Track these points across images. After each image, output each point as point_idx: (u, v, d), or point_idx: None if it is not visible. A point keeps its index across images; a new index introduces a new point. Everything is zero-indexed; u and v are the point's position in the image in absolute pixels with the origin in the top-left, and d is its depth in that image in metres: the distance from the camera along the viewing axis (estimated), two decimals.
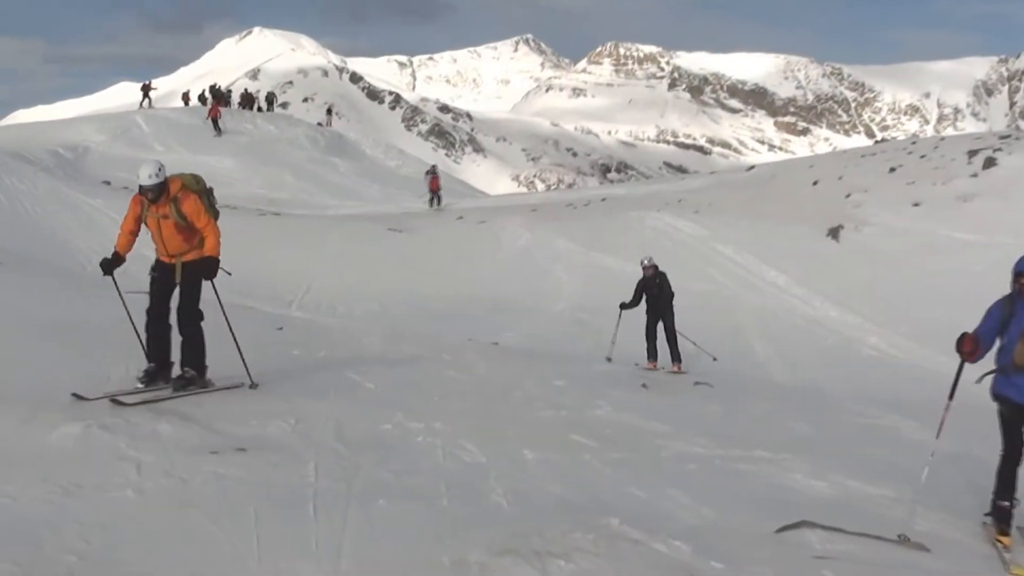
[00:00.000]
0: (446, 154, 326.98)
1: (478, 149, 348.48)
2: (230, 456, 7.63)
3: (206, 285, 10.33)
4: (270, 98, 77.71)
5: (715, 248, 29.63)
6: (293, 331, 16.50)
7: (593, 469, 8.74)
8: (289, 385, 10.90)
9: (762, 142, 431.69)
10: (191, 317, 10.21)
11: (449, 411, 10.44)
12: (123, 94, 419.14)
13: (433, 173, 47.72)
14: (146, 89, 72.57)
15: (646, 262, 19.33)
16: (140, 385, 9.89)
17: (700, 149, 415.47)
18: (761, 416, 12.87)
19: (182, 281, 10.19)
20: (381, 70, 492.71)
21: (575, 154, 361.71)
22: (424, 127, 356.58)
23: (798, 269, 27.50)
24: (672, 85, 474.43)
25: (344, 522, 6.45)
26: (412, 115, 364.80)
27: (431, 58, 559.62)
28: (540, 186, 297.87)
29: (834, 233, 29.94)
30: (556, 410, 11.36)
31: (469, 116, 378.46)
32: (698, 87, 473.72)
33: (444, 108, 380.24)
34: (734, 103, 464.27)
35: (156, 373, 10.11)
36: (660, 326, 19.07)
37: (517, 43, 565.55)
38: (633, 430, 10.66)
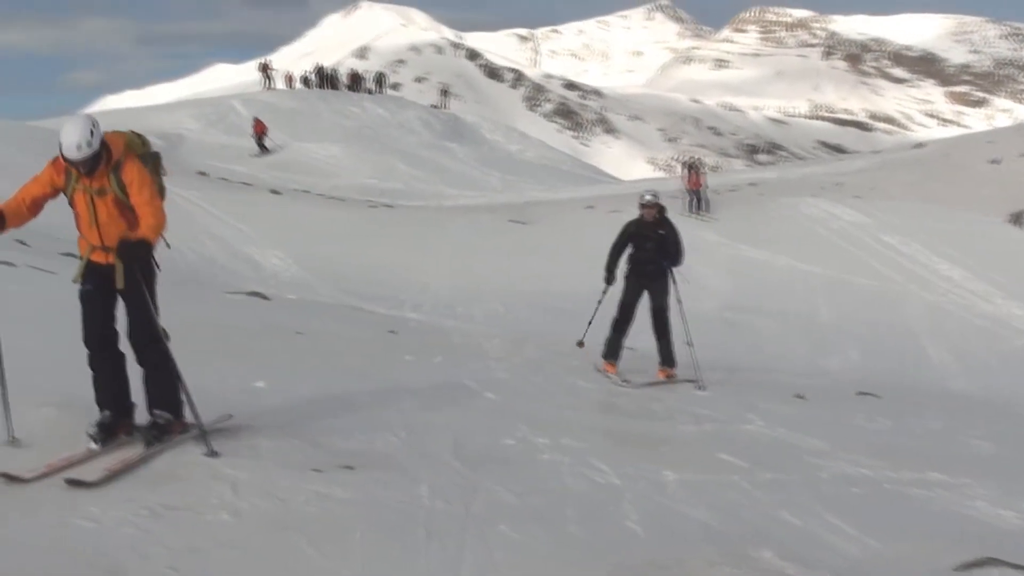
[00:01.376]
0: (573, 136, 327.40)
1: (609, 130, 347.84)
2: (334, 474, 7.61)
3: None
4: (380, 78, 78.45)
5: (879, 238, 29.11)
6: (407, 335, 16.57)
7: (742, 492, 8.54)
8: (401, 394, 10.89)
9: (932, 116, 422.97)
10: (150, 337, 8.15)
11: (578, 425, 10.35)
12: (219, 77, 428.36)
13: (693, 169, 39.77)
14: (265, 68, 74.10)
15: (647, 197, 14.62)
16: (93, 444, 7.75)
17: (860, 125, 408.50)
18: (936, 432, 12.49)
19: (127, 287, 8.01)
20: (500, 45, 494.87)
21: (718, 133, 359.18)
22: (549, 107, 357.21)
23: (975, 261, 26.86)
24: (827, 54, 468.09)
25: (460, 548, 6.38)
26: (535, 94, 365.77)
27: (555, 30, 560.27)
28: (679, 170, 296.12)
29: (1017, 219, 29.19)
30: (699, 424, 11.19)
31: (598, 93, 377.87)
32: (857, 55, 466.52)
33: (570, 85, 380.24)
34: (899, 72, 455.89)
35: (113, 424, 7.99)
36: (645, 306, 14.55)
37: (651, 10, 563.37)
38: (787, 447, 10.41)
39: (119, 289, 8.02)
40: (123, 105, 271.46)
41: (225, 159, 48.28)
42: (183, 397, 8.21)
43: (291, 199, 36.63)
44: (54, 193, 8.11)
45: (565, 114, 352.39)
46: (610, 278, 14.46)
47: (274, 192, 37.62)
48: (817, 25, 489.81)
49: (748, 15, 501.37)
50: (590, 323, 15.21)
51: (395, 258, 27.55)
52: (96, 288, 8.06)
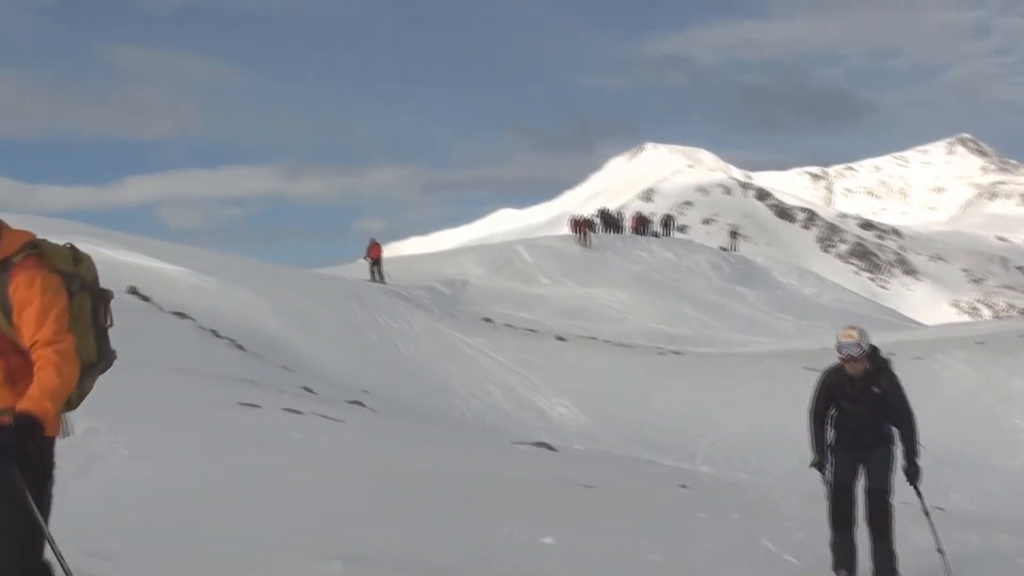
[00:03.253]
0: (870, 278, 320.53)
1: (909, 271, 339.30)
2: None
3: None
4: (667, 221, 78.86)
5: None
6: (698, 489, 16.28)
7: None
8: (695, 554, 10.66)
9: None
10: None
11: None
12: (503, 221, 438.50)
13: None
14: (580, 224, 69.16)
15: (854, 338, 10.47)
16: None
17: None
18: None
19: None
20: (791, 184, 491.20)
21: None
22: (843, 247, 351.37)
23: None
24: None
25: None
26: (829, 234, 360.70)
27: (849, 167, 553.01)
28: (986, 313, 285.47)
29: None
30: None
31: (897, 232, 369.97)
32: None
33: (866, 224, 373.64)
34: None
35: None
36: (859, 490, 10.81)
37: (952, 144, 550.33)
38: None
39: None
40: (408, 252, 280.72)
41: (510, 305, 49.05)
42: None
43: (577, 346, 36.86)
44: None
45: (861, 255, 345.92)
46: (820, 462, 10.92)
47: (560, 339, 37.96)
48: None
49: None
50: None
51: (684, 407, 27.32)
52: None
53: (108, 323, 5.27)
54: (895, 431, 10.81)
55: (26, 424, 4.62)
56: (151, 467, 10.49)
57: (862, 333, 10.70)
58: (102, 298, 5.24)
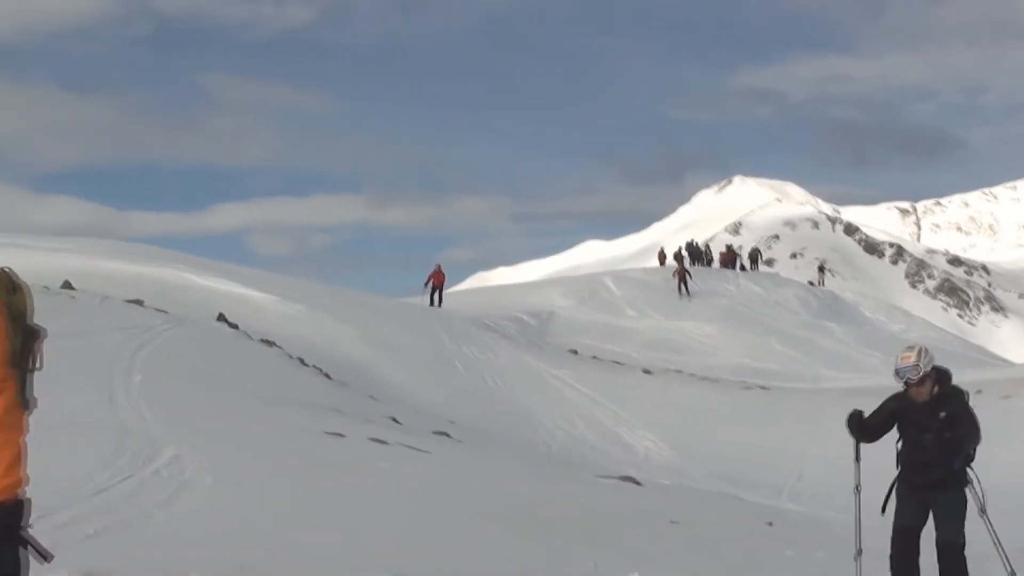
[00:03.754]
0: (959, 315, 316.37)
1: (997, 308, 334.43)
2: None
3: None
4: (754, 255, 78.40)
5: None
6: (785, 526, 16.00)
7: None
8: None
9: None
10: None
11: None
12: (590, 253, 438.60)
13: None
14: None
15: (911, 360, 9.40)
16: None
17: None
18: None
19: None
20: (880, 219, 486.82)
21: None
22: (931, 283, 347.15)
23: None
24: None
25: None
26: (917, 269, 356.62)
27: (938, 203, 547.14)
28: None
29: None
30: None
31: (985, 269, 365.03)
32: None
33: (955, 260, 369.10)
34: None
35: None
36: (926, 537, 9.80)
37: None
38: None
39: None
40: (495, 282, 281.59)
41: (596, 337, 48.85)
42: None
43: (663, 379, 36.57)
44: None
45: (949, 291, 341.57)
46: (859, 434, 10.38)
47: (646, 371, 37.68)
48: None
49: None
50: (858, 525, 11.18)
51: (771, 443, 26.93)
52: None
53: (36, 366, 4.24)
54: (972, 473, 9.51)
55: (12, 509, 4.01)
56: (236, 495, 10.43)
57: (922, 353, 9.50)
58: (32, 336, 4.22)
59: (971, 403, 9.45)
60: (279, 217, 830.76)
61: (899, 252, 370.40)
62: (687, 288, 59.16)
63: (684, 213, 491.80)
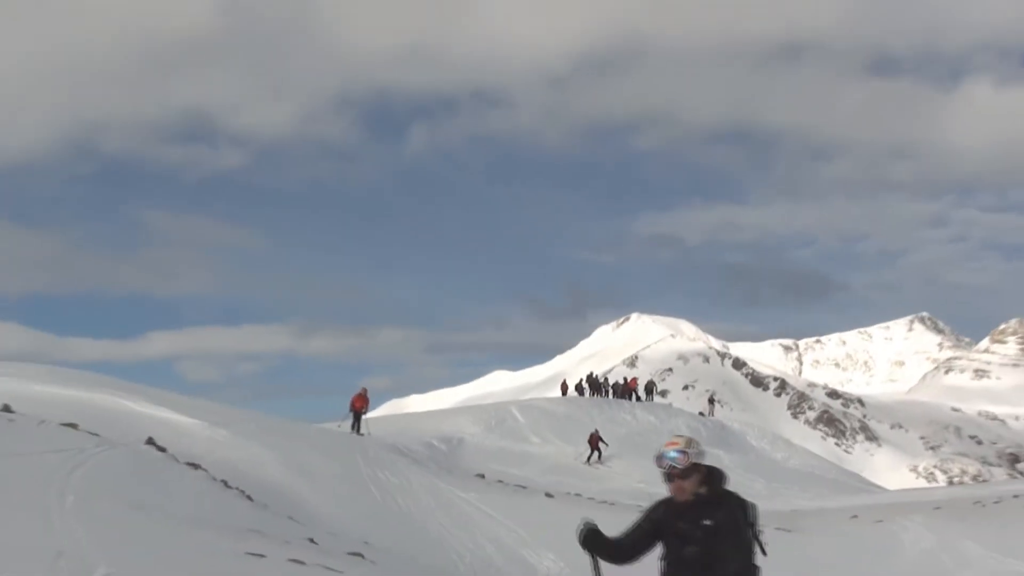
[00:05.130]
0: (836, 443, 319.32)
1: (871, 437, 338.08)
2: None
3: None
4: (649, 387, 78.91)
5: None
6: None
7: None
8: None
9: None
10: None
11: None
12: (497, 382, 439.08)
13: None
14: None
15: (678, 446, 8.03)
16: None
17: None
18: None
19: None
20: (765, 354, 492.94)
21: (980, 442, 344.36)
22: (812, 414, 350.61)
23: None
24: None
25: None
26: (799, 401, 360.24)
27: (818, 340, 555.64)
28: (941, 478, 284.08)
29: None
30: None
31: (860, 402, 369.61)
32: None
33: (833, 393, 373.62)
34: None
35: None
36: None
37: (912, 322, 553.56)
38: None
39: None
40: (409, 409, 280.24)
41: (502, 462, 48.85)
42: None
43: (564, 502, 36.59)
44: None
45: (828, 422, 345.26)
46: (596, 551, 8.32)
47: (548, 495, 37.69)
48: None
49: (1007, 327, 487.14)
50: None
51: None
52: None
53: None
54: None
55: None
56: None
57: (691, 442, 7.94)
58: None
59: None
60: (209, 345, 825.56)
61: (782, 385, 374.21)
62: (599, 457, 54.57)
63: (584, 346, 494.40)
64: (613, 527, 26.08)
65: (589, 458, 53.37)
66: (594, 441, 53.81)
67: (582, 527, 8.29)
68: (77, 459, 19.10)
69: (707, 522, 7.58)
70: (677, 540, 7.72)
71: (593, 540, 8.21)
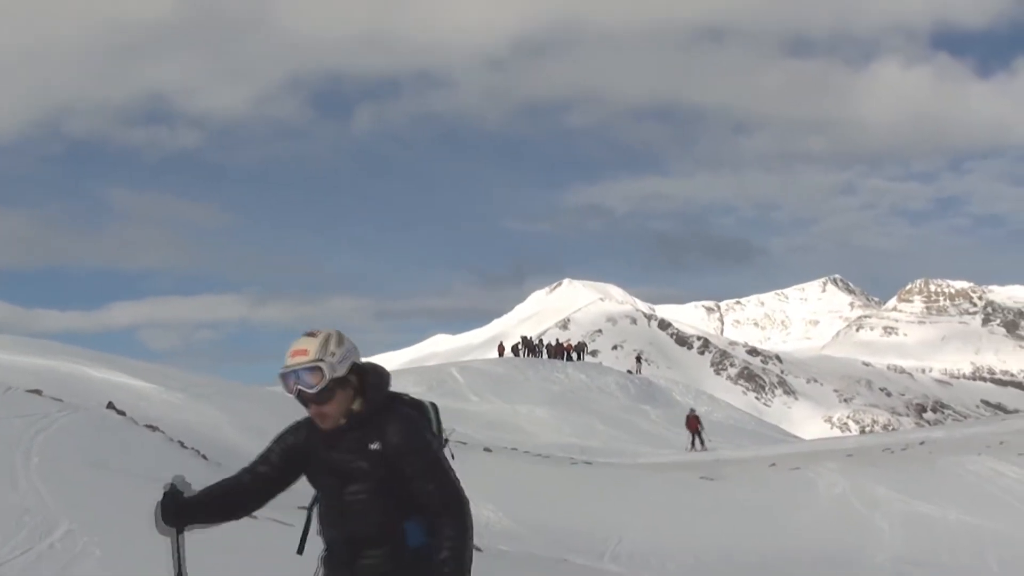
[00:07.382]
0: (756, 397, 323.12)
1: (788, 391, 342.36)
2: None
3: None
4: (580, 348, 79.32)
5: None
6: None
7: None
8: None
9: None
10: None
11: None
12: (436, 345, 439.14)
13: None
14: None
15: (307, 355, 4.99)
16: None
17: (1019, 385, 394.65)
18: None
19: None
20: (689, 316, 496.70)
21: (889, 394, 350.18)
22: (733, 371, 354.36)
23: None
24: (986, 320, 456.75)
25: None
26: (721, 359, 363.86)
27: (738, 302, 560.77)
28: (854, 428, 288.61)
29: None
30: None
31: (778, 358, 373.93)
32: (1013, 321, 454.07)
33: (753, 351, 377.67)
34: None
35: None
36: None
37: (825, 283, 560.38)
38: None
39: None
40: None
41: (444, 420, 48.92)
42: None
43: (502, 456, 36.76)
44: None
45: (748, 377, 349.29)
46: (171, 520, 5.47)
47: (487, 450, 37.82)
48: (976, 295, 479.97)
49: (913, 287, 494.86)
50: None
51: (595, 511, 27.22)
52: None
53: None
54: (448, 554, 4.87)
55: None
56: (122, 564, 10.37)
57: (327, 342, 5.04)
58: None
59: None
60: (169, 314, 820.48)
61: (705, 344, 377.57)
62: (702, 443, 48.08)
63: (520, 310, 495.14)
64: (550, 478, 26.24)
65: (692, 443, 47.55)
66: (693, 424, 47.95)
67: (167, 487, 5.44)
68: (41, 423, 18.94)
69: (374, 446, 4.91)
70: (330, 476, 5.08)
71: (176, 510, 5.40)
